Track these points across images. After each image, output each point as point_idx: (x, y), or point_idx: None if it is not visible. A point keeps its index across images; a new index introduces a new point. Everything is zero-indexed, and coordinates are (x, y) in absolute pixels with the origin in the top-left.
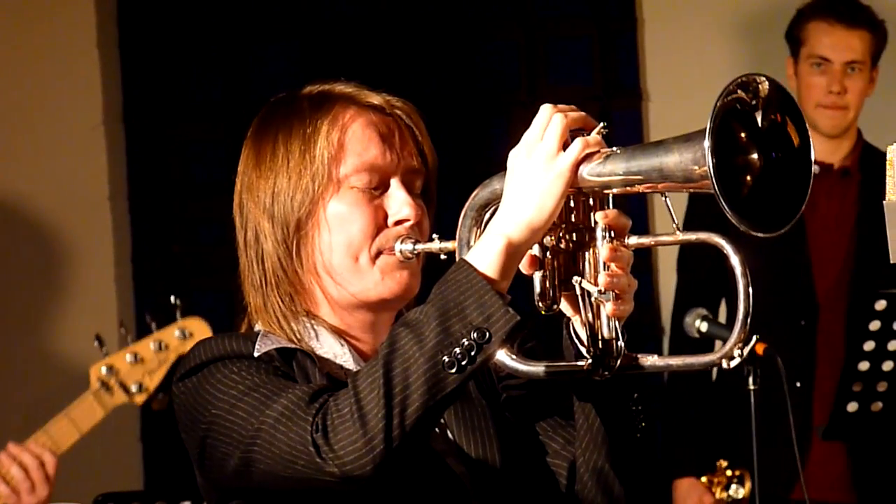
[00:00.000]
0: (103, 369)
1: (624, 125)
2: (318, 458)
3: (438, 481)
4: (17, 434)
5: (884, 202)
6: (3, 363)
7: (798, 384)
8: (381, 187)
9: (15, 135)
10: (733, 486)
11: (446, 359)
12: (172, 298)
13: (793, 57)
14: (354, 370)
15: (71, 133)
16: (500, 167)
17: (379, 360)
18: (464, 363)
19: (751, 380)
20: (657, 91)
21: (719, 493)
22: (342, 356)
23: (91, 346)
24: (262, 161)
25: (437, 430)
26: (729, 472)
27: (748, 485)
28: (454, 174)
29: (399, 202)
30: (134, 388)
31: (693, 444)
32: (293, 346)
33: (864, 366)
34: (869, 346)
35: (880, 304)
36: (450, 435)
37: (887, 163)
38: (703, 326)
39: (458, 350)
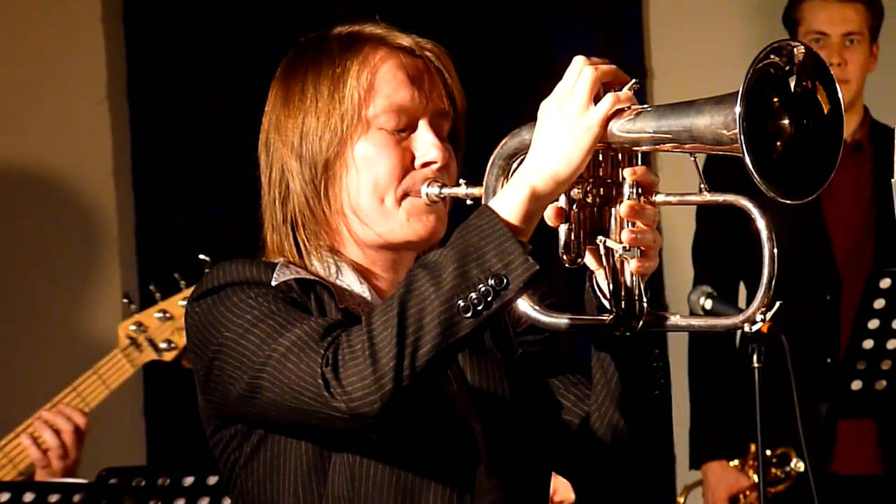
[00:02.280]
0: (132, 326)
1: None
2: (326, 391)
3: (449, 430)
4: (23, 403)
5: (892, 180)
6: (7, 335)
7: (829, 360)
8: (408, 129)
9: (19, 109)
10: (793, 462)
11: (462, 303)
12: (176, 275)
13: None
14: (373, 304)
15: (75, 108)
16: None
17: (394, 300)
18: (479, 308)
19: (755, 358)
20: (662, 68)
21: (752, 475)
22: (361, 293)
23: (94, 316)
24: (290, 101)
25: (451, 377)
26: (768, 453)
27: (794, 462)
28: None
29: (426, 144)
30: (163, 346)
31: (723, 427)
32: (312, 277)
33: (868, 344)
34: (873, 324)
35: (885, 283)
36: (464, 384)
37: (895, 142)
38: (708, 304)
39: (474, 295)
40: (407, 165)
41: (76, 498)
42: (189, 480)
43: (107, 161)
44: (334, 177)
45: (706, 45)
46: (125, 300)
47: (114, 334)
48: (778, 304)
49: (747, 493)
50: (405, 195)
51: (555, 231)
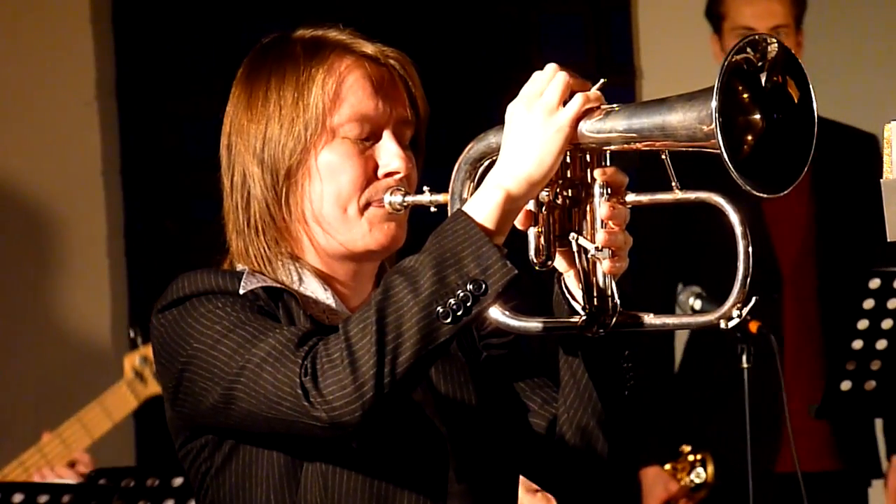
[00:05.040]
0: (138, 360)
1: (617, 103)
2: (306, 401)
3: (417, 434)
4: (11, 405)
5: (881, 181)
6: None
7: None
8: (372, 138)
9: (8, 110)
10: (696, 471)
11: (441, 309)
12: (131, 333)
13: (716, 34)
14: (339, 311)
15: (64, 109)
16: None
17: (372, 307)
18: (459, 314)
19: (744, 358)
20: (651, 68)
21: (683, 479)
22: (326, 300)
23: (82, 317)
24: (253, 105)
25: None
26: (691, 458)
27: (710, 468)
28: (447, 153)
29: (390, 154)
30: None
31: (656, 431)
32: (278, 285)
33: (857, 344)
34: (863, 324)
35: (874, 283)
36: (429, 388)
37: (884, 141)
38: (697, 304)
39: (452, 301)
40: (370, 175)
41: (65, 498)
42: (178, 481)
43: (96, 161)
44: (296, 185)
45: (695, 45)
46: (131, 334)
47: (103, 335)
48: (754, 299)
49: (681, 501)
50: (367, 205)
51: (523, 234)
